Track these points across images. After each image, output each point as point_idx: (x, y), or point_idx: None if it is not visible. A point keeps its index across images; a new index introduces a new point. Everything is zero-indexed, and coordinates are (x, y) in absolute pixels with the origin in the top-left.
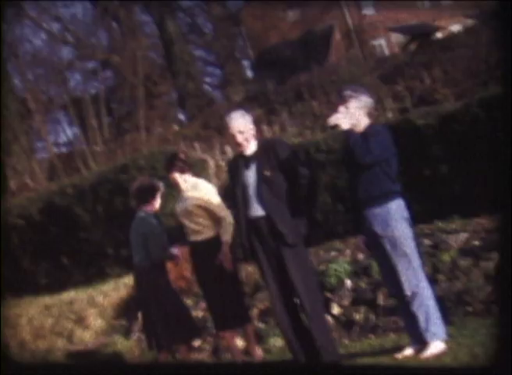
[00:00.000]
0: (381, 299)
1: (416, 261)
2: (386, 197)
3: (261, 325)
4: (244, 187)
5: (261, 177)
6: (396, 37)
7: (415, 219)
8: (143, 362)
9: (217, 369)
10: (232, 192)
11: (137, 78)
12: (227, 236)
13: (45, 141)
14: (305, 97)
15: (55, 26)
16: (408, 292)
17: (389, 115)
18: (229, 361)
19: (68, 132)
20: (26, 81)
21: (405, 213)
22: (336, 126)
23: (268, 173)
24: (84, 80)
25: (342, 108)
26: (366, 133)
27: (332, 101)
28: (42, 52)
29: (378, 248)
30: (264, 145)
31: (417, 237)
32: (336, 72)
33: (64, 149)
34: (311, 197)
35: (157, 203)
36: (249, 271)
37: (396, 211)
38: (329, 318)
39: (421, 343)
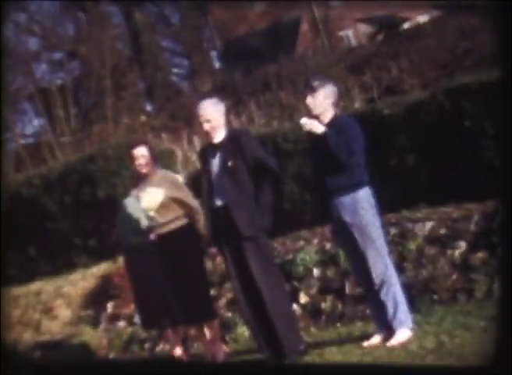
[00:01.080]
0: (348, 288)
1: (384, 249)
2: (355, 186)
3: (228, 314)
4: (209, 177)
5: (223, 167)
6: (363, 28)
7: (382, 208)
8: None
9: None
10: (200, 181)
11: (105, 69)
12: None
13: (11, 132)
14: (273, 87)
15: (22, 17)
16: (376, 280)
17: (357, 105)
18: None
19: (35, 123)
20: None
21: (372, 202)
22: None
23: (231, 163)
24: (51, 70)
25: (309, 98)
26: (338, 128)
27: (299, 92)
28: (8, 43)
29: (346, 236)
30: (230, 135)
31: (384, 226)
32: (304, 62)
33: (31, 140)
34: (275, 189)
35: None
36: (216, 261)
37: (365, 199)
38: (297, 307)
39: (387, 331)
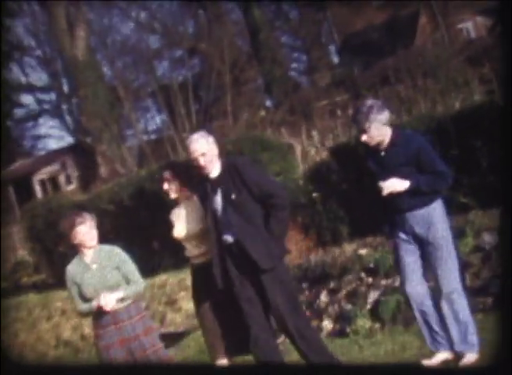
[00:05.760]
0: None
1: (455, 264)
2: (430, 199)
3: (348, 306)
4: (214, 213)
5: (227, 202)
6: (483, 21)
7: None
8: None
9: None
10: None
11: (224, 65)
12: None
13: (134, 129)
14: (391, 81)
15: (143, 15)
16: (444, 297)
17: (476, 97)
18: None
19: (156, 119)
20: (115, 70)
21: (444, 213)
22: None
23: (234, 196)
24: (172, 67)
25: (364, 137)
26: (408, 151)
27: (418, 85)
28: (130, 41)
29: (416, 250)
30: (227, 167)
31: (456, 239)
32: (422, 55)
33: (153, 136)
34: (284, 217)
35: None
36: (335, 253)
37: (438, 212)
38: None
39: (450, 351)
